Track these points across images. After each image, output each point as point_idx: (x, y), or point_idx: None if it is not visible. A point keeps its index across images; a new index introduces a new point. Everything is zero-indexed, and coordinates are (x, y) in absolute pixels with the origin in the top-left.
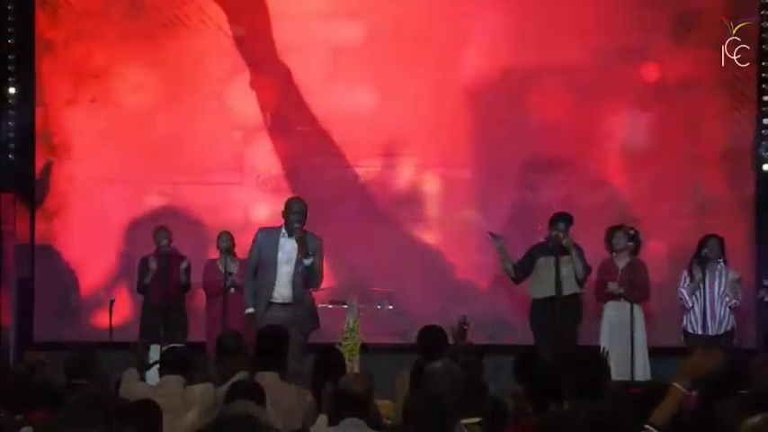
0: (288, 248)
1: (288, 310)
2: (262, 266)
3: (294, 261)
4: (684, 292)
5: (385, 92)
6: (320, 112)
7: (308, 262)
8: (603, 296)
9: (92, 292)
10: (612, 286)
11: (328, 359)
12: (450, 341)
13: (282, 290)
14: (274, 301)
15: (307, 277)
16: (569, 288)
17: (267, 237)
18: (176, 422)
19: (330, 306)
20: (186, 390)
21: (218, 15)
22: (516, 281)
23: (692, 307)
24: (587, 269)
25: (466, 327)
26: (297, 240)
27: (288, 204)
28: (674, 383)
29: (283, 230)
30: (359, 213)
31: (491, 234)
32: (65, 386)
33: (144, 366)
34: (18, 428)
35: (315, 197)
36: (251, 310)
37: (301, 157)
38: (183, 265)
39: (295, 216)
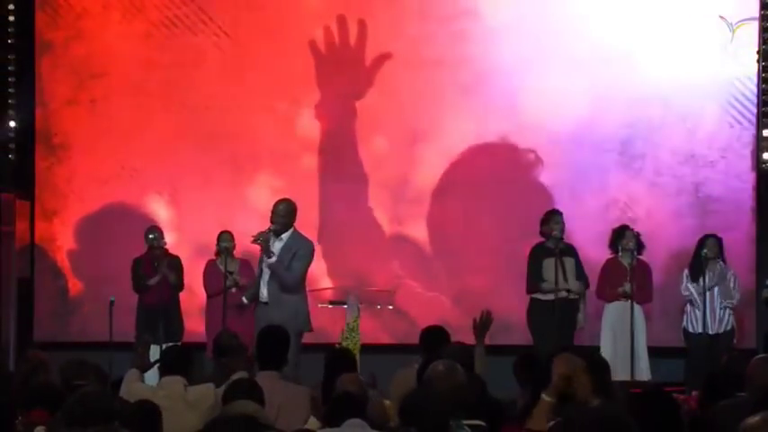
0: (275, 249)
1: (266, 309)
2: None
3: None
4: (692, 289)
5: (385, 92)
6: (320, 111)
7: (269, 261)
8: (611, 296)
9: (91, 292)
10: (627, 286)
11: (339, 359)
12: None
13: (264, 289)
14: (261, 300)
15: (278, 276)
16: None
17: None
18: (177, 423)
19: (330, 306)
20: (187, 390)
21: (219, 15)
22: (533, 292)
23: (693, 306)
24: (585, 284)
25: (489, 322)
26: (254, 241)
27: (273, 206)
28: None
29: (272, 233)
30: (359, 213)
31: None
32: (64, 387)
33: (146, 366)
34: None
35: (314, 196)
36: (244, 300)
37: (301, 156)
38: (163, 263)
39: (274, 217)
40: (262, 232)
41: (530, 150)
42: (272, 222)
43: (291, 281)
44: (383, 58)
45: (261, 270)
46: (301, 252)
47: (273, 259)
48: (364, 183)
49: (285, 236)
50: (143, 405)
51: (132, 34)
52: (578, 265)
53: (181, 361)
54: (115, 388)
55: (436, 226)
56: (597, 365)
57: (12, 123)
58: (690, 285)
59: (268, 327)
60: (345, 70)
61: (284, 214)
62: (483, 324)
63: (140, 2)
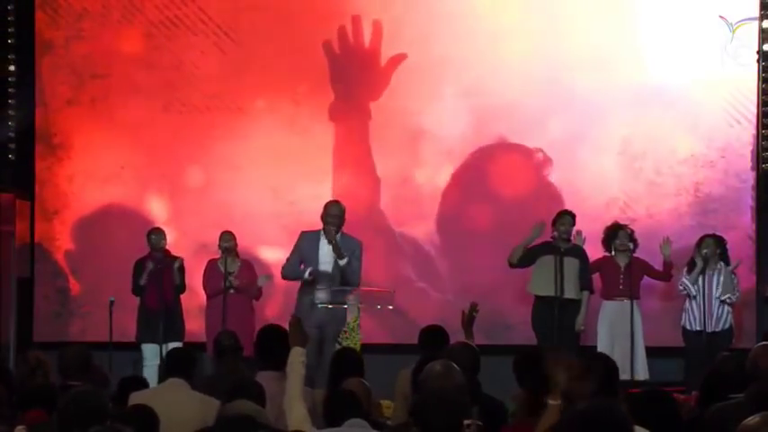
0: (326, 251)
1: (326, 309)
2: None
3: (332, 263)
4: (686, 281)
5: (386, 91)
6: (319, 111)
7: (342, 262)
8: (607, 294)
9: (91, 292)
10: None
11: (346, 359)
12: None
13: (323, 292)
14: (316, 301)
15: (344, 277)
16: (570, 292)
17: (308, 240)
18: (179, 425)
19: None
20: (189, 393)
21: (218, 15)
22: (512, 265)
23: (692, 304)
24: (589, 289)
25: (475, 313)
26: (329, 243)
27: (326, 208)
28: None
29: (322, 234)
30: (358, 213)
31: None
32: (61, 386)
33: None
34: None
35: (314, 196)
36: (310, 269)
37: (300, 156)
38: (176, 265)
39: (331, 219)
40: (328, 232)
41: (531, 150)
42: (327, 224)
43: (357, 279)
44: (385, 57)
45: (317, 274)
46: (358, 252)
47: (346, 260)
48: (364, 182)
49: (337, 237)
50: (140, 409)
51: (132, 34)
52: (583, 269)
53: (183, 363)
54: (119, 388)
55: (437, 226)
56: (602, 367)
57: (11, 123)
58: (685, 279)
59: (269, 326)
60: (346, 70)
61: (339, 215)
62: (470, 317)
63: (140, 2)
